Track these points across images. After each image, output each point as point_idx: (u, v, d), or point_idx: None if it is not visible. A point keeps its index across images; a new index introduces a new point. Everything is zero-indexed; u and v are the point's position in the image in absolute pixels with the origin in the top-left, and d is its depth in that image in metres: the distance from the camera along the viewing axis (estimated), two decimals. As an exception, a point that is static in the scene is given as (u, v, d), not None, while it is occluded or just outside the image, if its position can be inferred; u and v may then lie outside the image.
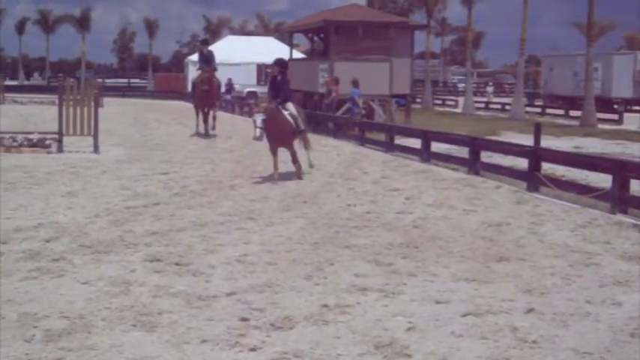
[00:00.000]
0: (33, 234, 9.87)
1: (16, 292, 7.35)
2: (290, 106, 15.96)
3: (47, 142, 19.61)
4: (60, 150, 19.26)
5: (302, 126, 16.07)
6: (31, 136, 19.88)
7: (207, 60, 26.25)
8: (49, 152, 19.17)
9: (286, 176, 15.68)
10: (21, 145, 19.56)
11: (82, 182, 14.47)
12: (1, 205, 11.70)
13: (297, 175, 15.90)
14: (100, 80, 42.09)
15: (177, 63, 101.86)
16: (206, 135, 25.30)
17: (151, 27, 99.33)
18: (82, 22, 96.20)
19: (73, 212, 11.31)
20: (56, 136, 19.57)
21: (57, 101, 19.98)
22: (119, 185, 14.16)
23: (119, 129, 26.65)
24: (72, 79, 23.41)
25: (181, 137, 25.42)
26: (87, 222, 10.75)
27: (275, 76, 15.94)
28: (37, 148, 19.34)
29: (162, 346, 6.10)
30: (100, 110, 20.82)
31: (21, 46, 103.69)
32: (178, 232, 10.27)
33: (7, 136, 19.97)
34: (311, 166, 16.69)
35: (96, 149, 19.31)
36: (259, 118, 14.91)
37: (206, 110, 26.01)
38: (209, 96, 25.71)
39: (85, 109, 19.63)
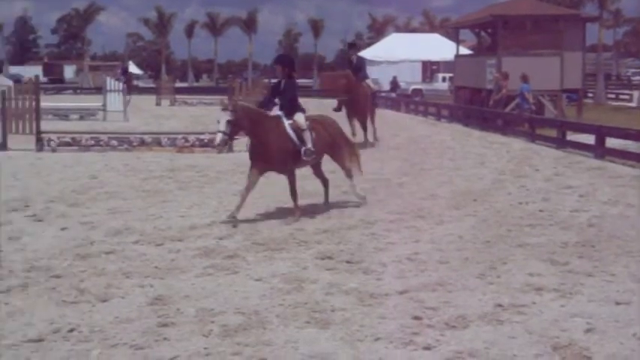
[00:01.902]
0: (207, 232, 10.13)
1: (192, 288, 7.54)
2: (300, 118, 11.50)
3: (218, 142, 20.09)
4: (230, 150, 19.70)
5: (309, 145, 11.33)
6: (202, 137, 20.43)
7: (358, 68, 21.76)
8: (219, 152, 19.62)
9: (446, 177, 15.42)
10: (192, 146, 20.16)
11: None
12: (177, 204, 12.08)
13: (292, 219, 11.10)
14: (266, 80, 42.88)
15: (342, 62, 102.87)
16: (364, 144, 20.82)
17: (316, 27, 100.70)
18: (249, 24, 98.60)
19: (244, 210, 11.51)
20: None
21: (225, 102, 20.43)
22: (284, 184, 14.30)
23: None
24: (239, 80, 23.98)
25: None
26: (259, 220, 10.94)
27: (279, 80, 11.84)
28: (208, 148, 19.85)
29: (337, 343, 6.11)
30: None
31: (190, 49, 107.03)
32: (348, 229, 10.29)
33: (180, 136, 20.64)
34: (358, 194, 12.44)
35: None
36: (224, 118, 10.75)
37: (362, 120, 21.73)
38: (354, 106, 21.35)
39: (255, 109, 20.02)
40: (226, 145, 11.60)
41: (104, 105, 33.35)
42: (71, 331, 6.33)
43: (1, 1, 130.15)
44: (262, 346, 6.03)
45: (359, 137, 21.46)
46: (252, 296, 7.27)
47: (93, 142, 20.30)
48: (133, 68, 56.51)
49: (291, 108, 11.55)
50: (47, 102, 29.83)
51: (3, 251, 8.98)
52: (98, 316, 6.69)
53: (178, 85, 61.09)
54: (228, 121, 10.75)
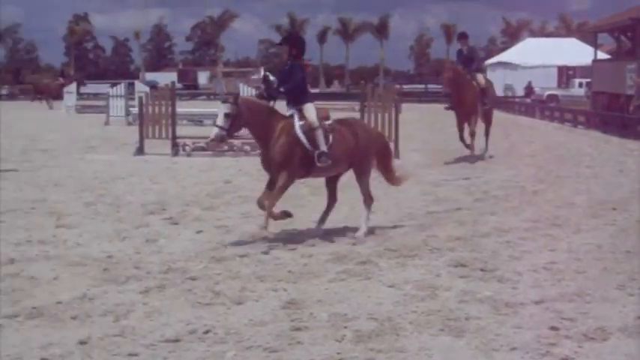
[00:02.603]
0: (339, 237, 10.14)
1: (325, 293, 7.56)
2: (309, 111, 10.00)
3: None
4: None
5: (323, 147, 9.87)
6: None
7: (469, 60, 19.67)
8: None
9: (579, 184, 14.97)
10: (325, 151, 20.27)
11: (384, 187, 14.67)
12: (309, 209, 12.15)
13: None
14: (397, 86, 42.87)
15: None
16: (470, 150, 19.13)
17: (448, 32, 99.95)
18: (381, 30, 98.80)
19: (377, 216, 11.48)
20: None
21: (357, 108, 20.49)
22: (420, 190, 14.24)
23: (418, 134, 26.91)
24: (373, 85, 24.00)
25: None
26: (391, 226, 10.89)
27: (286, 61, 10.36)
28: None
29: (472, 352, 6.00)
30: (399, 116, 21.09)
31: (322, 55, 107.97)
32: (482, 237, 10.13)
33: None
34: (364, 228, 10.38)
35: (396, 154, 19.57)
36: (222, 111, 9.62)
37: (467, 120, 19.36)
38: (458, 102, 19.20)
39: (386, 114, 20.01)
40: (223, 141, 10.07)
41: (238, 111, 33.93)
42: (207, 332, 6.43)
43: (138, 10, 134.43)
44: (395, 352, 5.98)
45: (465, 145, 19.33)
46: (385, 302, 7.23)
47: (226, 147, 20.66)
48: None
49: (296, 97, 10.05)
50: (182, 108, 30.59)
51: (141, 253, 9.22)
52: (233, 319, 6.77)
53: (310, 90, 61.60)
54: (227, 115, 9.51)
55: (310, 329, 6.49)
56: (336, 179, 10.61)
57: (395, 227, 10.82)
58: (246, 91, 34.05)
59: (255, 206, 10.06)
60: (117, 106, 35.98)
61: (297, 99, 10.06)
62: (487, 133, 20.10)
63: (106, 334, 6.35)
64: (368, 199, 10.44)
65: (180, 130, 22.13)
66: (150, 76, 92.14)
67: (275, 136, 9.75)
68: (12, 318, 6.79)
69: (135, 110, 30.60)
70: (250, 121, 9.74)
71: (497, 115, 25.62)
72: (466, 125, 19.17)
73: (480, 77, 19.65)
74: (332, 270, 8.41)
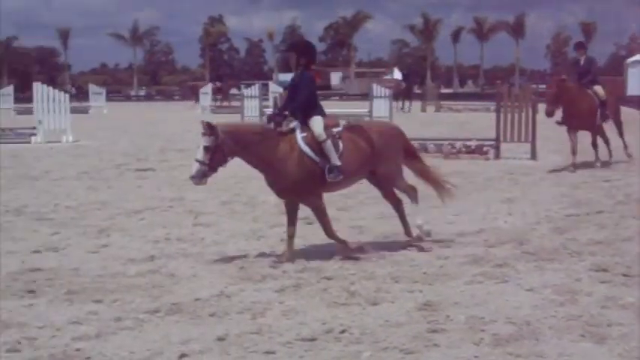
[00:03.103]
0: (475, 239, 10.00)
1: (462, 296, 7.45)
2: (316, 124, 9.11)
3: (485, 148, 19.90)
4: (497, 156, 19.45)
5: (334, 161, 8.98)
6: (469, 143, 20.31)
7: (585, 72, 18.13)
8: (486, 159, 19.43)
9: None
10: (459, 152, 20.07)
11: (520, 189, 14.44)
12: (444, 210, 12.02)
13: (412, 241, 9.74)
14: (534, 86, 42.13)
15: (616, 66, 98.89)
16: (596, 162, 17.95)
17: (587, 30, 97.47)
18: (516, 29, 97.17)
19: (514, 218, 11.28)
20: (493, 142, 19.79)
21: (492, 108, 20.19)
22: (559, 192, 13.89)
23: (555, 135, 26.27)
24: (509, 85, 23.62)
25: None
26: (528, 229, 10.66)
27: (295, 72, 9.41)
28: (475, 155, 19.69)
29: (614, 359, 5.81)
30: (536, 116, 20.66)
31: (456, 55, 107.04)
32: (624, 241, 9.78)
33: (446, 142, 20.61)
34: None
35: (533, 156, 19.19)
36: (201, 144, 8.69)
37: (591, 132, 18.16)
38: (573, 118, 17.58)
39: (522, 115, 19.64)
40: (205, 177, 8.76)
41: (370, 111, 33.97)
42: (342, 332, 6.43)
43: (272, 11, 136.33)
44: (535, 357, 5.84)
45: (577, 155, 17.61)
46: (524, 306, 7.07)
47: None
48: (397, 75, 57.21)
49: (304, 111, 9.15)
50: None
51: (276, 252, 9.31)
52: (368, 319, 6.76)
53: (443, 91, 61.23)
54: (206, 148, 8.64)
55: (447, 332, 6.42)
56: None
57: (532, 230, 10.57)
58: (380, 92, 34.17)
59: (389, 207, 10.00)
60: (251, 106, 36.55)
61: (306, 112, 9.15)
62: (621, 134, 18.97)
63: (243, 332, 6.44)
64: (413, 193, 9.84)
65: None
66: (283, 76, 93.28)
67: (279, 157, 8.86)
68: (153, 313, 6.97)
69: (269, 111, 31.06)
70: (238, 150, 8.80)
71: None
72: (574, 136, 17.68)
73: (598, 89, 18.16)
74: (468, 272, 8.29)
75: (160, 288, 7.79)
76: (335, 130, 9.21)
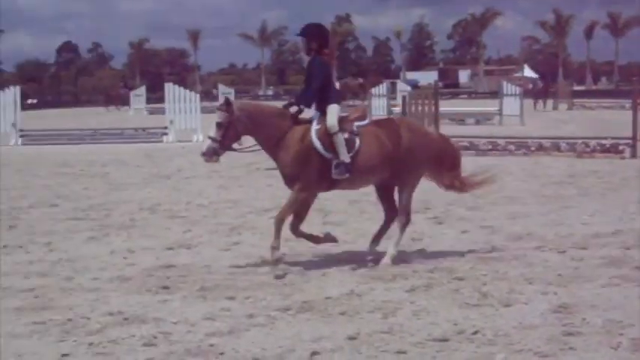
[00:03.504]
0: (612, 240, 9.70)
1: (598, 298, 7.23)
2: (330, 112, 8.56)
3: (620, 147, 19.32)
4: (634, 155, 18.84)
5: (343, 157, 8.43)
6: (603, 142, 19.76)
7: None
8: (622, 158, 18.86)
9: None
10: (593, 151, 19.55)
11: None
12: (578, 210, 11.74)
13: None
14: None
15: None
16: None
17: None
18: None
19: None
20: (629, 141, 19.20)
21: (627, 106, 19.64)
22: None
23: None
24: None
25: None
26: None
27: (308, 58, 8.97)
28: (610, 154, 19.15)
29: None
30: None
31: (589, 51, 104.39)
32: None
33: (580, 141, 20.12)
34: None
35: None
36: (215, 120, 8.67)
37: None
38: None
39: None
40: (215, 154, 8.63)
41: (500, 109, 33.51)
42: (475, 333, 6.33)
43: (399, 9, 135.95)
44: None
45: None
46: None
47: (490, 146, 20.45)
48: (527, 72, 56.17)
49: (320, 98, 8.63)
50: (443, 107, 30.60)
51: (406, 252, 9.25)
52: (501, 321, 6.63)
53: (576, 88, 59.84)
54: (218, 124, 8.53)
55: (583, 335, 6.23)
56: (391, 188, 9.03)
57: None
58: (510, 90, 33.64)
59: (521, 207, 9.87)
60: (379, 105, 36.56)
61: (321, 100, 8.64)
62: None
63: (374, 331, 6.41)
64: (404, 218, 8.82)
65: (443, 129, 22.07)
66: (410, 75, 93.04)
67: (287, 143, 8.49)
68: (284, 311, 7.02)
69: (396, 109, 31.01)
70: (252, 129, 8.57)
71: None
72: None
73: None
74: (605, 275, 8.04)
75: (291, 286, 7.85)
76: (358, 123, 8.68)
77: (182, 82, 62.69)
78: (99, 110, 63.88)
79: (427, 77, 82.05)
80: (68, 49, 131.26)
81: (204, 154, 8.65)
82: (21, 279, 8.34)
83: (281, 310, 7.02)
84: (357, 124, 8.66)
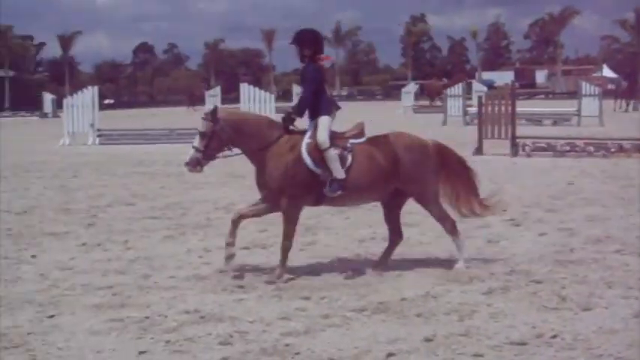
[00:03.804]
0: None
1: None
2: (321, 125, 8.28)
3: None
4: None
5: (337, 174, 8.15)
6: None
7: None
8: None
9: None
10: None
11: None
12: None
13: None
14: None
15: None
16: None
17: None
18: None
19: None
20: None
21: None
22: None
23: None
24: None
25: None
26: None
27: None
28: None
29: None
30: None
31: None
32: None
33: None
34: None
35: None
36: (199, 129, 8.39)
37: None
38: None
39: None
40: (199, 165, 8.39)
41: (578, 110, 32.97)
42: (554, 337, 6.22)
43: (475, 9, 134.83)
44: None
45: None
46: None
47: (568, 147, 20.13)
48: (606, 72, 55.09)
49: (312, 107, 8.36)
50: (519, 107, 30.24)
51: (483, 254, 9.15)
52: (581, 325, 6.51)
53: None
54: (202, 134, 8.28)
55: (664, 341, 6.08)
56: (398, 208, 8.75)
57: None
58: (589, 90, 33.06)
59: (600, 209, 9.67)
60: (454, 106, 36.30)
61: (313, 109, 8.36)
62: None
63: (450, 333, 6.35)
64: (448, 225, 8.57)
65: (519, 130, 21.82)
66: (486, 75, 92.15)
67: (276, 153, 8.23)
68: (359, 312, 6.99)
69: (472, 110, 30.75)
70: (237, 139, 8.34)
71: None
72: None
73: None
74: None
75: (366, 287, 7.81)
76: (353, 141, 8.39)
77: (257, 83, 63.11)
78: (176, 110, 64.66)
79: (503, 77, 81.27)
80: (144, 49, 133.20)
81: (187, 164, 8.43)
82: (99, 276, 8.48)
83: (356, 311, 7.00)
84: (352, 141, 8.39)
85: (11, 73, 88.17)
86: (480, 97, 22.75)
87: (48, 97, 62.56)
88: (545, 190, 14.04)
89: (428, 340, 6.19)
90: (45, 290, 7.93)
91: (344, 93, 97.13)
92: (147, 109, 75.85)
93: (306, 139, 8.25)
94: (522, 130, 23.43)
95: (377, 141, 8.51)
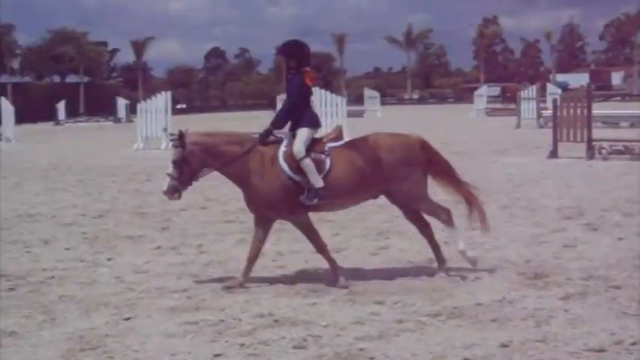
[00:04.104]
0: None
1: None
2: (299, 136, 8.17)
3: None
4: None
5: (315, 182, 8.01)
6: None
7: None
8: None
9: None
10: None
11: None
12: None
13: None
14: None
15: None
16: None
17: None
18: None
19: None
20: None
21: None
22: None
23: None
24: None
25: None
26: None
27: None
28: None
29: None
30: None
31: None
32: None
33: None
34: None
35: None
36: (171, 157, 8.24)
37: None
38: None
39: None
40: (177, 192, 8.19)
41: (656, 112, 32.35)
42: (634, 344, 6.09)
43: (549, 10, 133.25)
44: None
45: None
46: None
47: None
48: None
49: (293, 119, 8.28)
50: (595, 109, 29.72)
51: (560, 259, 9.01)
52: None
53: None
54: (174, 162, 8.09)
55: None
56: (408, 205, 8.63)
57: None
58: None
59: None
60: (528, 108, 35.89)
61: (294, 122, 8.27)
62: None
63: (527, 339, 6.25)
64: (444, 215, 8.45)
65: (596, 133, 21.44)
66: (560, 77, 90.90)
67: (256, 167, 8.09)
68: (434, 317, 6.94)
69: (546, 113, 30.34)
70: (210, 161, 8.16)
71: None
72: None
73: None
74: None
75: (440, 291, 7.75)
76: (331, 145, 8.27)
77: (328, 86, 63.15)
78: (254, 114, 65.15)
79: (577, 79, 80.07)
80: (216, 54, 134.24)
81: (165, 193, 8.28)
82: (174, 280, 8.56)
83: (431, 316, 6.94)
84: (329, 145, 8.27)
85: (86, 79, 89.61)
86: (554, 100, 22.41)
87: (122, 103, 63.49)
88: (622, 194, 13.76)
89: (504, 345, 6.11)
90: (121, 293, 8.05)
91: (415, 96, 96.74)
92: (219, 113, 76.55)
93: (282, 148, 8.15)
94: (598, 132, 23.01)
95: (355, 144, 8.43)
